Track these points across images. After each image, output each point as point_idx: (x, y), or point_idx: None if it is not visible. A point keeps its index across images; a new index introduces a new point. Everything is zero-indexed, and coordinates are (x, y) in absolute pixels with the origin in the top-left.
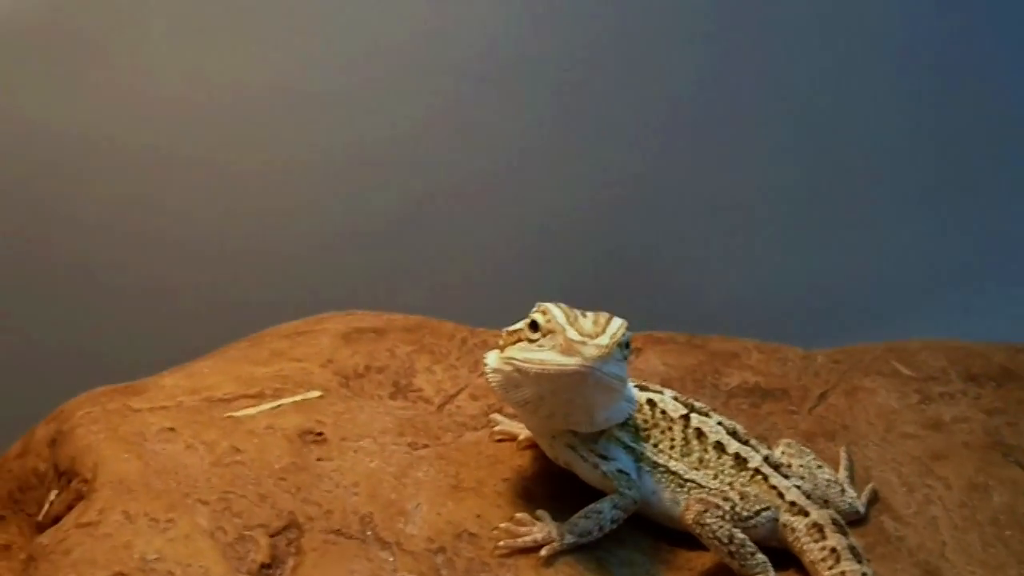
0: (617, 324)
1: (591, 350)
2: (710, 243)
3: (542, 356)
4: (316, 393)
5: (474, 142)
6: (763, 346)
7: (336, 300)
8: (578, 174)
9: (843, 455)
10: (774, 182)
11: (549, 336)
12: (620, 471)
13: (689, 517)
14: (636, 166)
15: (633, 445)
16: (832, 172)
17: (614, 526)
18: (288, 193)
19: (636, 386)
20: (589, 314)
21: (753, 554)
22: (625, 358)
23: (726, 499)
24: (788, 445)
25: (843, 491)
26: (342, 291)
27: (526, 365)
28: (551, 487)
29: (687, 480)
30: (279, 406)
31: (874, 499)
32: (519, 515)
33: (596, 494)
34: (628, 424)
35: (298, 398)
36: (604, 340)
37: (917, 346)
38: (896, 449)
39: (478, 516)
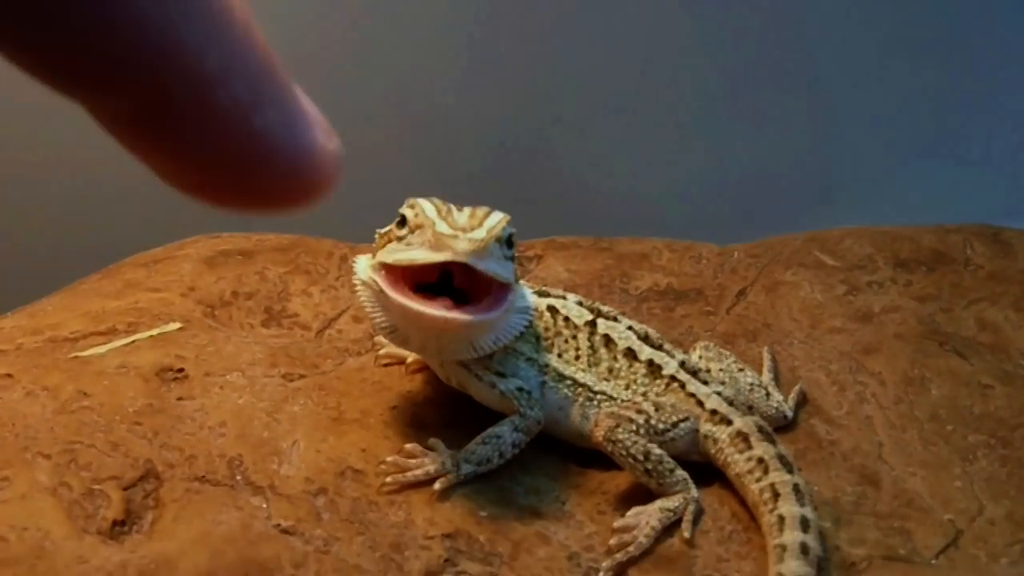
0: (496, 218)
1: (463, 243)
2: (613, 141)
3: (410, 255)
4: (175, 325)
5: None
6: (674, 244)
7: (202, 223)
8: (471, 67)
9: (766, 356)
10: (679, 74)
11: (418, 232)
12: (520, 389)
13: (599, 434)
14: (533, 57)
15: (535, 356)
16: (742, 59)
17: (516, 451)
18: None
19: (535, 292)
20: (466, 209)
21: (672, 471)
22: (509, 258)
23: (639, 411)
24: (706, 348)
25: (768, 395)
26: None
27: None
28: (445, 413)
29: (596, 392)
30: (133, 342)
31: (802, 401)
32: (409, 446)
33: (495, 417)
34: (528, 334)
35: (155, 332)
36: (480, 233)
37: (840, 234)
38: (824, 345)
39: (363, 450)
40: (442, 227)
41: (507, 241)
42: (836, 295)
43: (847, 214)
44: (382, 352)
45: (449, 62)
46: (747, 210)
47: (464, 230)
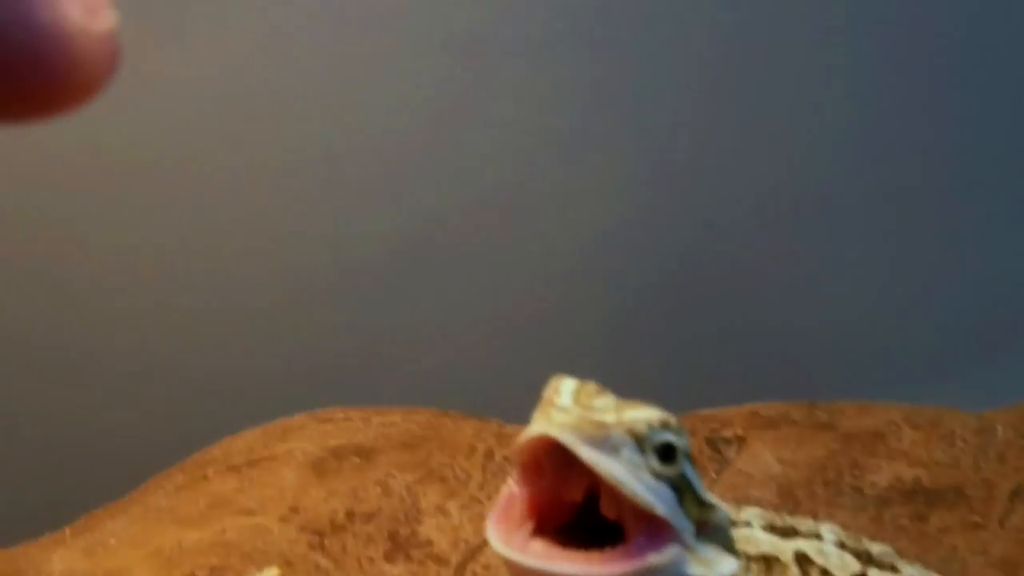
0: (645, 413)
1: (564, 415)
2: (801, 260)
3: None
4: (273, 572)
5: (492, 151)
6: (916, 415)
7: (303, 384)
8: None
9: None
10: (876, 175)
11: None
12: None
13: None
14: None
15: None
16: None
17: None
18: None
19: (766, 527)
20: (629, 401)
21: None
22: (667, 479)
23: None
24: None
25: None
26: (309, 373)
27: None
28: None
29: None
30: None
31: None
32: None
33: None
34: None
35: None
36: (604, 416)
37: None
38: None
39: None
40: (561, 401)
41: (660, 451)
42: None
43: None
44: None
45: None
46: (1002, 346)
47: (590, 410)
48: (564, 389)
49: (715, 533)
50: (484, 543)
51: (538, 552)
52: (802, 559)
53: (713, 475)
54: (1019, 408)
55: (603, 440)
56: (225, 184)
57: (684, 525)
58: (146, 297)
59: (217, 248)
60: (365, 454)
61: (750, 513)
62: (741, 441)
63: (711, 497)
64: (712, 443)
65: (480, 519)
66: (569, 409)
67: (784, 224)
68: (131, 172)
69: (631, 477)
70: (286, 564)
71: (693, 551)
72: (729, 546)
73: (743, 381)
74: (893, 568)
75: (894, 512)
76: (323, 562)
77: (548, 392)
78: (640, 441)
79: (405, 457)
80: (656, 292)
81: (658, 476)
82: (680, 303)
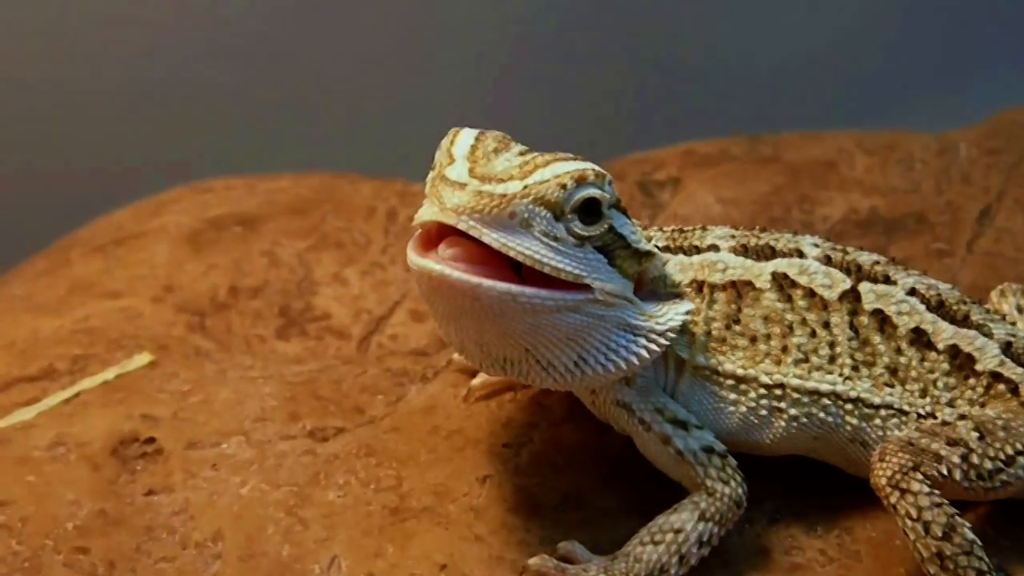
0: (559, 169)
1: (457, 196)
2: None
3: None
4: (144, 359)
5: None
6: (869, 140)
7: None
8: None
9: None
10: None
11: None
12: (710, 450)
13: (883, 475)
14: None
15: (748, 372)
16: None
17: (705, 552)
18: None
19: (735, 245)
20: (532, 154)
21: (981, 574)
22: (586, 238)
23: (953, 442)
24: (1020, 292)
25: None
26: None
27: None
28: (578, 482)
29: (878, 407)
30: (78, 394)
31: None
32: (534, 561)
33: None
34: (735, 329)
35: (112, 374)
36: (507, 187)
37: None
38: None
39: (443, 567)
40: (453, 172)
41: (581, 211)
42: None
43: None
44: (476, 382)
45: None
46: (962, 62)
47: (488, 179)
48: (458, 149)
49: (654, 283)
50: (390, 312)
51: (459, 266)
52: (782, 281)
53: (646, 221)
54: (985, 124)
55: (508, 217)
56: None
57: (620, 285)
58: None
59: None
60: (249, 223)
61: (717, 234)
62: (676, 183)
63: (647, 244)
64: (644, 187)
65: (384, 286)
66: (464, 182)
67: None
68: None
69: (548, 252)
70: (160, 349)
71: (635, 304)
72: (673, 291)
73: (677, 119)
74: (887, 279)
75: (849, 243)
76: (205, 344)
77: (439, 155)
78: (553, 207)
79: (295, 223)
80: (576, 27)
81: (582, 240)
82: (603, 38)
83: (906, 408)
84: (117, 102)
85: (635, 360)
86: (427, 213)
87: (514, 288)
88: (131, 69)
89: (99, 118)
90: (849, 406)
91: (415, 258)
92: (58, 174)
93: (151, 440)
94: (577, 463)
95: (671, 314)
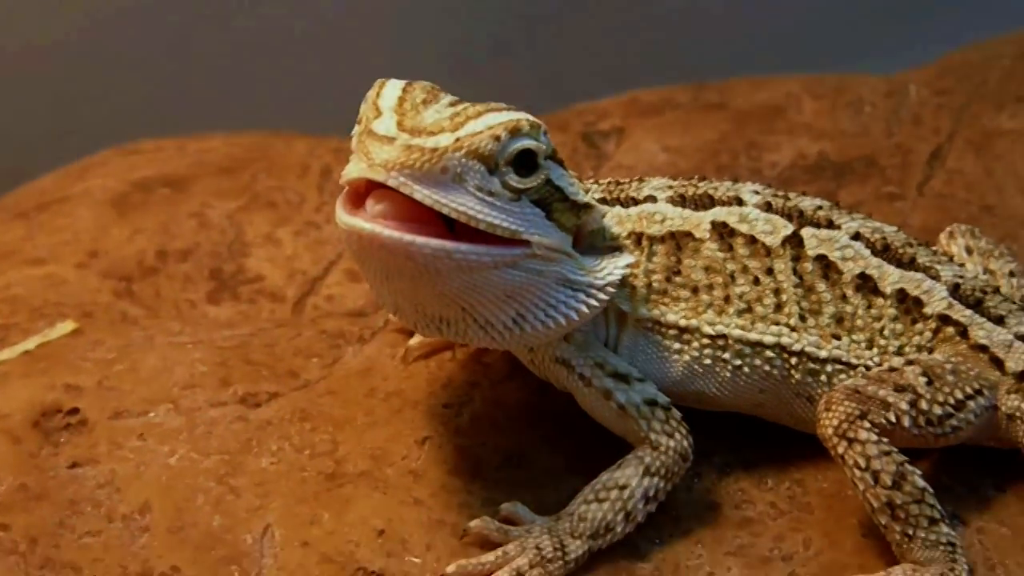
0: (492, 120)
1: (386, 151)
2: None
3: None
4: (68, 326)
5: None
6: (817, 83)
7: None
8: None
9: (1005, 261)
10: None
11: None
12: (652, 403)
13: (829, 424)
14: None
15: (691, 323)
16: None
17: (652, 508)
18: None
19: (673, 196)
20: (464, 104)
21: (933, 523)
22: (522, 191)
23: (900, 387)
24: (972, 235)
25: None
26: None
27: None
28: (520, 441)
29: (823, 361)
30: None
31: None
32: (475, 523)
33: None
34: (678, 284)
35: (34, 343)
36: (438, 141)
37: None
38: None
39: (380, 533)
40: (381, 126)
41: (516, 162)
42: None
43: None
44: (413, 342)
45: None
46: (911, 2)
47: (418, 133)
48: (385, 101)
49: (593, 236)
50: (325, 272)
51: (390, 224)
52: (721, 229)
53: (591, 173)
54: (935, 65)
55: (440, 172)
56: None
57: (558, 239)
58: None
59: None
60: (176, 184)
61: (654, 185)
62: (620, 132)
63: (585, 196)
64: (588, 138)
65: (319, 246)
66: (392, 136)
67: None
68: None
69: (483, 208)
70: (85, 316)
71: (574, 259)
72: (612, 244)
73: (621, 67)
74: (831, 223)
75: (799, 191)
76: (132, 311)
77: (365, 108)
78: (487, 160)
79: (225, 183)
80: None
81: (518, 193)
82: None
83: (853, 361)
84: (53, 65)
85: (575, 316)
86: (355, 170)
87: (448, 244)
88: (64, 29)
89: (26, 82)
90: (794, 360)
91: (344, 217)
92: None
93: (74, 411)
94: (519, 422)
95: (611, 268)
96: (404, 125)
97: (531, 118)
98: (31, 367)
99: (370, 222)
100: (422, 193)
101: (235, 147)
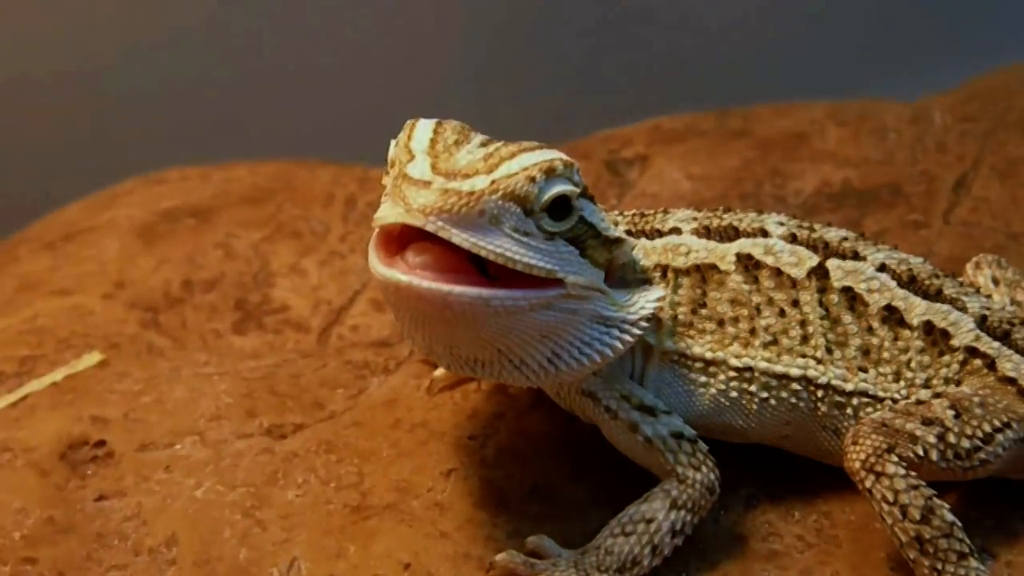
0: (526, 161)
1: (423, 196)
2: None
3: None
4: (94, 358)
5: None
6: (841, 109)
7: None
8: None
9: None
10: None
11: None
12: (679, 436)
13: (856, 458)
14: None
15: (717, 355)
16: None
17: (679, 541)
18: None
19: (694, 230)
20: (495, 144)
21: (962, 558)
22: (555, 234)
23: (928, 420)
24: (998, 265)
25: None
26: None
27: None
28: (547, 473)
29: (851, 393)
30: (25, 397)
31: None
32: (501, 557)
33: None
34: (702, 313)
35: (61, 374)
36: (473, 184)
37: None
38: None
39: (407, 567)
40: (415, 169)
41: (551, 207)
42: None
43: None
44: (438, 373)
45: None
46: (936, 29)
47: (452, 176)
48: (417, 144)
49: (623, 270)
50: (350, 302)
51: (427, 275)
52: (746, 261)
53: (614, 201)
54: (959, 91)
55: (478, 215)
56: None
57: (592, 276)
58: None
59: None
60: (202, 214)
61: (679, 217)
62: (644, 160)
63: (615, 231)
64: (612, 166)
65: (343, 275)
66: (428, 180)
67: None
68: None
69: (520, 249)
70: (111, 348)
71: (607, 295)
72: (643, 278)
73: (644, 95)
74: (856, 255)
75: (823, 220)
76: (159, 341)
77: (397, 151)
78: (523, 201)
79: (250, 213)
80: (540, 3)
81: (553, 235)
82: (567, 13)
83: (880, 394)
84: (80, 95)
85: (609, 352)
86: (392, 214)
87: (485, 292)
88: (90, 60)
89: (55, 111)
90: (820, 392)
91: (380, 268)
92: (9, 171)
93: (101, 443)
94: (545, 454)
95: (642, 302)
96: (439, 168)
97: (564, 157)
98: (58, 399)
99: (407, 274)
100: (460, 237)
101: (259, 176)
